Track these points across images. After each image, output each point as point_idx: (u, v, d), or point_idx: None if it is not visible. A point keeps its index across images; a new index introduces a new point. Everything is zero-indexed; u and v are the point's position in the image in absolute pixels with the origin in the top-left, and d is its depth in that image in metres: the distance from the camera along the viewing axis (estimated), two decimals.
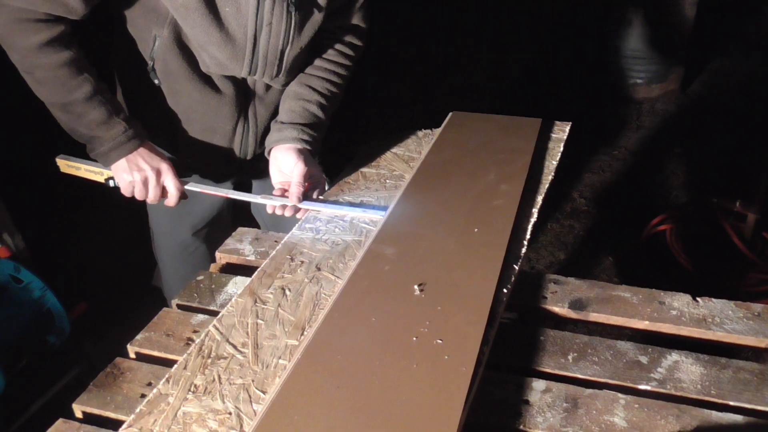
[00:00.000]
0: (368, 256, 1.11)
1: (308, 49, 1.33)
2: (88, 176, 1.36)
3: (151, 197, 1.29)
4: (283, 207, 1.28)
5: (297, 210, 1.29)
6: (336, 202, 1.31)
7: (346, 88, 1.44)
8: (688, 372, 0.95)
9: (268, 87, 1.37)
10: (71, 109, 1.20)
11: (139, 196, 1.29)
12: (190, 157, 1.42)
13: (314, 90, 1.36)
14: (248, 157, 1.45)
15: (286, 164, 1.30)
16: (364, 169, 1.45)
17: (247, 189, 1.60)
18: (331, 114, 1.41)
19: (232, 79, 1.31)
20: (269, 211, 1.30)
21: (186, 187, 1.32)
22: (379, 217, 1.23)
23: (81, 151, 1.32)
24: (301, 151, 1.30)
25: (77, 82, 1.18)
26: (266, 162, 1.37)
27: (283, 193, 1.30)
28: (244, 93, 1.35)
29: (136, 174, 1.26)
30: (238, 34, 1.20)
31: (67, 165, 1.36)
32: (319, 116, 1.35)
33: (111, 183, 1.32)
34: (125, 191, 1.29)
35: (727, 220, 2.41)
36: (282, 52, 1.27)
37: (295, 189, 1.26)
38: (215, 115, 1.34)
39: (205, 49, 1.24)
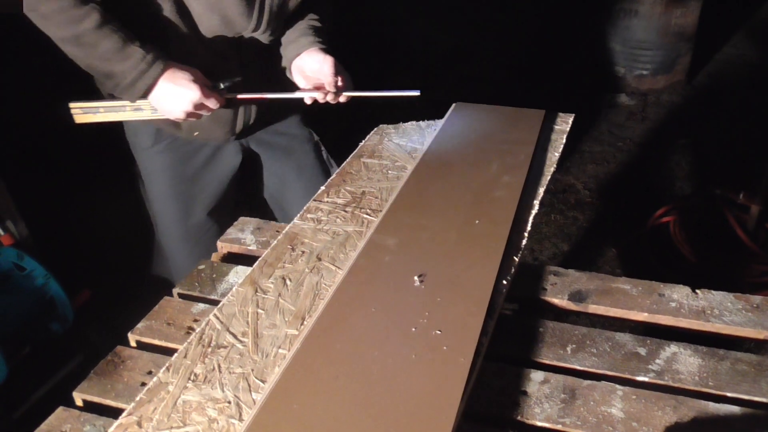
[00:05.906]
0: (369, 247, 1.11)
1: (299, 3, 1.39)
2: (109, 118, 1.30)
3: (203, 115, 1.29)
4: (325, 95, 1.34)
5: (338, 96, 1.35)
6: (369, 89, 1.38)
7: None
8: (686, 363, 0.95)
9: (255, 51, 1.39)
10: (83, 41, 1.18)
11: (191, 117, 1.30)
12: (191, 123, 1.42)
13: (309, 17, 1.43)
14: (251, 122, 1.47)
15: (311, 64, 1.35)
16: (366, 160, 1.45)
17: (254, 162, 1.62)
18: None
19: (222, 43, 1.33)
20: (308, 102, 1.36)
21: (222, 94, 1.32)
22: (415, 95, 1.34)
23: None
24: (323, 50, 1.36)
25: (83, 12, 1.16)
26: (269, 129, 1.42)
27: (317, 89, 1.35)
28: (237, 56, 1.38)
29: (178, 99, 1.24)
30: None
31: (83, 110, 1.29)
32: (320, 28, 1.42)
33: (142, 113, 1.28)
34: (177, 117, 1.28)
35: (731, 211, 2.40)
36: (283, 4, 1.33)
37: (331, 78, 1.32)
38: (212, 78, 1.35)
39: (216, 9, 1.26)
